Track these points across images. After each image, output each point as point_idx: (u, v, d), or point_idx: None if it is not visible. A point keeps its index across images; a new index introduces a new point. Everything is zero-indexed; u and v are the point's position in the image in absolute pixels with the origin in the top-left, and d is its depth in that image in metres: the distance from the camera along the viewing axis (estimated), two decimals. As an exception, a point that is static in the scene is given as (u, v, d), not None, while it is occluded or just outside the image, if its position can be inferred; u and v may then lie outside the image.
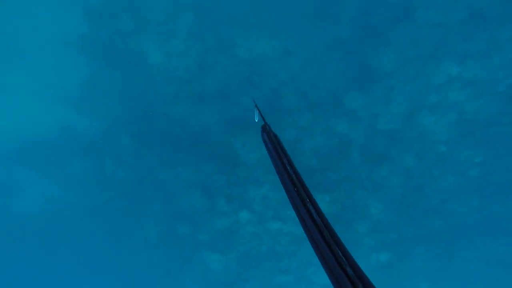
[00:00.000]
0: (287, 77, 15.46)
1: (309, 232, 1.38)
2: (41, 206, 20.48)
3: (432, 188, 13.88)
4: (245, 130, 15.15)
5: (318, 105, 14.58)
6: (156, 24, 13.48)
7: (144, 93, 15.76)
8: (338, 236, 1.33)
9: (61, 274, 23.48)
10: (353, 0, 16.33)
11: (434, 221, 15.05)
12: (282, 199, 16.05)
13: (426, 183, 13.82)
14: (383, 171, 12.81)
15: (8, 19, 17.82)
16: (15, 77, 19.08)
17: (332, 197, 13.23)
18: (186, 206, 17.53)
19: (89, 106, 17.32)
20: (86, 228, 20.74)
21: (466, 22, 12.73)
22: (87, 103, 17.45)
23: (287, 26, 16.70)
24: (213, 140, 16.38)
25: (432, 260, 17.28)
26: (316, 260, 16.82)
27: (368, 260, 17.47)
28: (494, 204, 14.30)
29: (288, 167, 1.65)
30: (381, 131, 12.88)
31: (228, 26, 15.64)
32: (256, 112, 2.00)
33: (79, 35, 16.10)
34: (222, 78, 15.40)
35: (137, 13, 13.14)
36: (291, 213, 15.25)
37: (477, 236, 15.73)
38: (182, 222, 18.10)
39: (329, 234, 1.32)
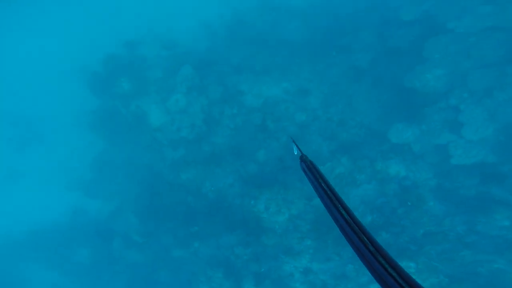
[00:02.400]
0: (307, 118, 10.11)
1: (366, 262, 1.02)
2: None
3: None
4: (267, 189, 9.37)
5: (354, 146, 8.87)
6: (154, 81, 9.01)
7: (151, 163, 10.94)
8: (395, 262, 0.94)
9: None
10: (362, 28, 11.47)
11: None
12: (332, 269, 9.37)
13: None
14: (493, 219, 6.43)
15: (28, 104, 14.21)
16: (32, 163, 14.64)
17: (421, 263, 6.68)
18: (207, 292, 11.18)
19: (99, 187, 12.50)
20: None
21: None
22: (96, 184, 12.54)
23: (296, 66, 11.87)
24: (231, 205, 10.64)
25: None
26: None
27: None
28: None
29: (329, 193, 1.33)
30: (463, 167, 6.82)
31: (231, 75, 11.03)
32: (294, 147, 1.71)
33: (88, 111, 11.95)
34: (233, 132, 10.33)
35: (135, 73, 8.83)
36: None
37: None
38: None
39: (389, 265, 0.95)
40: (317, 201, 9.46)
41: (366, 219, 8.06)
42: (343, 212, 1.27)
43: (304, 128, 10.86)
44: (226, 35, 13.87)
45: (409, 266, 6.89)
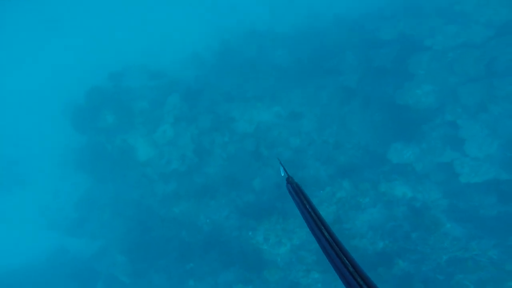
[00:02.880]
0: (301, 143, 9.38)
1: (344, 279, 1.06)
2: None
3: None
4: (265, 219, 8.34)
5: (354, 168, 8.12)
6: (140, 113, 8.21)
7: (140, 199, 9.80)
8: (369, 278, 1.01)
9: None
10: (346, 50, 11.24)
11: None
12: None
13: None
14: None
15: (12, 146, 12.94)
16: (15, 205, 13.11)
17: None
18: None
19: (83, 226, 11.07)
20: None
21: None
22: (81, 223, 11.16)
23: (286, 91, 11.38)
24: (228, 239, 9.49)
25: None
26: None
27: None
28: None
29: (312, 212, 1.33)
30: (475, 185, 6.09)
31: (221, 102, 10.38)
32: (281, 168, 1.73)
33: (72, 149, 10.87)
34: (225, 161, 9.45)
35: (119, 105, 8.03)
36: None
37: None
38: None
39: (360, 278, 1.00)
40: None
41: (377, 246, 7.09)
42: (326, 233, 1.23)
43: (299, 152, 10.10)
44: (215, 64, 13.46)
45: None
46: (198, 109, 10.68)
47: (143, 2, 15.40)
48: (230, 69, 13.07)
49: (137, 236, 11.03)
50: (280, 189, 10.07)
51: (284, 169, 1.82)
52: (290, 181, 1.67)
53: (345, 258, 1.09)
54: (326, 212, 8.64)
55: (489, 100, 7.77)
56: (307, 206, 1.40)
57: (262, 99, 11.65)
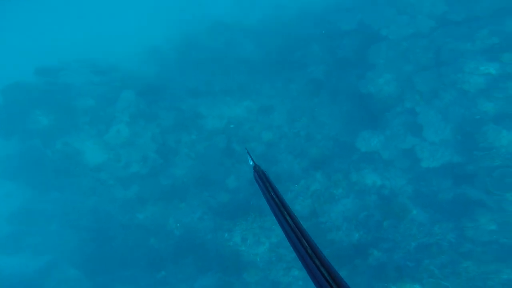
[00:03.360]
0: (274, 136, 8.93)
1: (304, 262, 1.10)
2: None
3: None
4: (241, 218, 7.78)
5: (325, 160, 7.95)
6: (84, 112, 6.80)
7: (96, 207, 8.41)
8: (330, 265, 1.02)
9: None
10: (311, 42, 11.05)
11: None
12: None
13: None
14: (479, 223, 5.92)
15: None
16: None
17: (426, 283, 5.74)
18: None
19: (20, 242, 9.09)
20: None
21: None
22: (20, 238, 9.22)
23: (256, 84, 10.80)
24: (202, 242, 8.69)
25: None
26: None
27: None
28: None
29: (276, 200, 1.38)
30: (434, 170, 6.35)
31: (186, 98, 9.45)
32: (249, 157, 1.75)
33: (4, 156, 8.79)
34: (194, 160, 8.59)
35: (56, 104, 6.52)
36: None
37: None
38: None
39: (324, 268, 1.00)
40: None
41: (352, 237, 7.04)
42: (288, 218, 1.25)
43: (272, 146, 9.67)
44: (177, 58, 12.19)
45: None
46: (159, 106, 9.51)
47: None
48: (195, 63, 11.97)
49: (95, 247, 9.57)
50: (255, 185, 9.58)
51: (251, 158, 1.76)
52: (256, 169, 1.66)
53: (305, 242, 1.11)
54: (301, 206, 8.41)
55: (439, 88, 8.20)
56: (271, 192, 1.40)
57: (231, 93, 10.89)
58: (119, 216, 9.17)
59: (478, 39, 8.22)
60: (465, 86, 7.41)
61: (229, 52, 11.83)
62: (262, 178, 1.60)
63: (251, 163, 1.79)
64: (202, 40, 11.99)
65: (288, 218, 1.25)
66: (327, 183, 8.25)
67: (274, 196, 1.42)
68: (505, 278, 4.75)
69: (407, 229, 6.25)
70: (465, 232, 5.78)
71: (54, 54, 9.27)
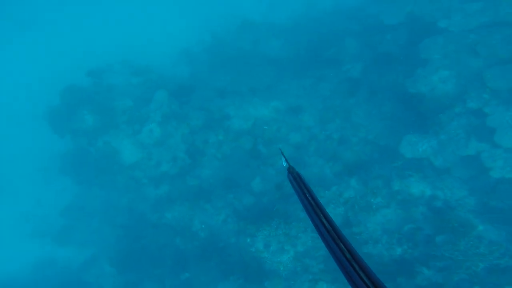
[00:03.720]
0: (302, 138, 8.16)
1: (343, 269, 1.01)
2: None
3: None
4: (265, 223, 7.10)
5: (362, 165, 6.89)
6: (123, 112, 7.01)
7: (131, 204, 8.66)
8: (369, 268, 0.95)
9: None
10: (346, 38, 10.03)
11: None
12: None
13: None
14: None
15: None
16: None
17: None
18: None
19: (71, 235, 9.82)
20: None
21: None
22: (68, 232, 9.97)
23: (284, 84, 10.18)
24: (226, 245, 8.22)
25: None
26: None
27: None
28: None
29: (312, 202, 1.29)
30: (510, 181, 4.84)
31: (215, 99, 9.25)
32: (283, 159, 1.65)
33: (55, 153, 9.67)
34: (221, 161, 8.28)
35: (100, 104, 6.82)
36: None
37: None
38: None
39: (363, 273, 0.94)
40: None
41: (394, 252, 5.86)
42: (325, 221, 1.19)
43: (300, 149, 8.88)
44: (207, 59, 12.25)
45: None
46: (189, 107, 9.48)
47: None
48: (223, 63, 11.87)
49: (128, 244, 9.81)
50: (282, 190, 8.87)
51: (286, 159, 1.69)
52: (291, 170, 1.57)
53: (342, 245, 1.05)
54: (333, 214, 7.42)
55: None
56: (307, 195, 1.34)
57: (258, 93, 10.44)
58: (149, 215, 9.27)
59: None
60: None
61: (256, 51, 11.46)
62: (297, 180, 1.49)
63: (285, 164, 1.68)
64: (230, 40, 11.85)
65: (324, 221, 1.19)
66: (363, 191, 7.15)
67: (310, 199, 1.33)
68: None
69: (472, 247, 4.90)
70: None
71: (100, 57, 10.00)
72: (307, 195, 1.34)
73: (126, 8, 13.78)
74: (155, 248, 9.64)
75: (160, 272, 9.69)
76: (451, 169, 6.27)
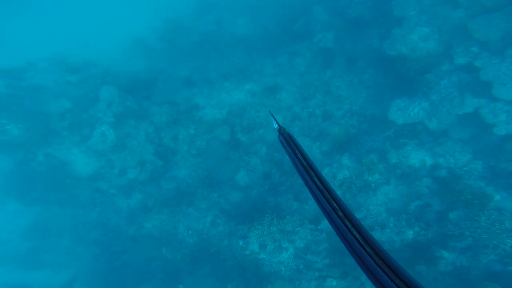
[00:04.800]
0: (284, 119, 6.87)
1: (334, 225, 1.00)
2: None
3: None
4: (256, 221, 5.75)
5: (352, 140, 5.62)
6: (61, 116, 4.91)
7: (102, 219, 6.88)
8: (359, 222, 0.93)
9: None
10: (312, 6, 8.62)
11: None
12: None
13: None
14: None
15: None
16: None
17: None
18: None
19: (41, 256, 7.83)
20: None
21: None
22: (37, 253, 7.97)
23: (256, 64, 8.64)
24: (218, 249, 6.76)
25: None
26: None
27: None
28: None
29: (303, 161, 1.24)
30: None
31: (180, 90, 7.43)
32: (273, 120, 1.58)
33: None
34: (196, 157, 6.74)
35: (24, 110, 4.73)
36: None
37: None
38: None
39: (355, 229, 0.92)
40: (326, 224, 6.14)
41: (405, 236, 4.92)
42: (317, 180, 1.13)
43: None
44: (165, 48, 10.21)
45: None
46: (150, 102, 7.66)
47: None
48: (184, 50, 9.96)
49: (107, 262, 8.13)
50: (270, 179, 7.62)
51: (276, 120, 1.58)
52: (281, 132, 1.48)
53: (334, 203, 1.02)
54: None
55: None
56: (298, 154, 1.27)
57: (229, 78, 8.83)
58: (125, 228, 7.58)
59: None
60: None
61: (222, 32, 9.68)
62: (288, 141, 1.38)
63: (275, 126, 1.54)
64: (189, 23, 9.89)
65: (316, 179, 1.11)
66: (358, 169, 6.09)
67: (301, 158, 1.24)
68: None
69: (495, 222, 4.05)
70: None
71: (20, 55, 7.63)
72: (298, 155, 1.26)
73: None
74: (141, 263, 8.05)
75: (150, 287, 8.22)
76: (448, 131, 5.36)
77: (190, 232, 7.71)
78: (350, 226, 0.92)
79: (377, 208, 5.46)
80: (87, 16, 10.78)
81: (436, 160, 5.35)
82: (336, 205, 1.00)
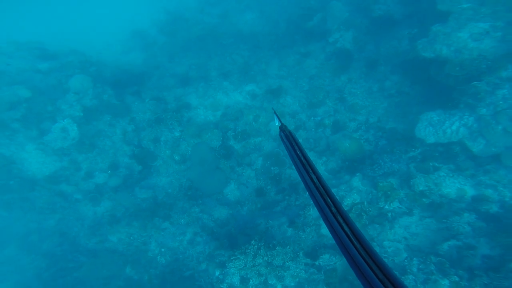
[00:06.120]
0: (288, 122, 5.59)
1: (329, 224, 1.05)
2: None
3: None
4: (239, 249, 4.61)
5: (366, 158, 4.43)
6: (12, 105, 4.27)
7: (61, 227, 5.99)
8: (358, 230, 0.96)
9: None
10: (327, 1, 7.91)
11: None
12: None
13: None
14: None
15: None
16: None
17: None
18: None
19: None
20: None
21: None
22: None
23: (261, 64, 7.94)
24: (193, 274, 5.66)
25: None
26: None
27: None
28: None
29: (302, 157, 1.34)
30: None
31: (173, 87, 6.81)
32: (275, 117, 1.72)
33: None
34: (180, 164, 6.02)
35: None
36: None
37: None
38: None
39: (347, 226, 0.98)
40: (325, 260, 4.99)
41: (438, 286, 3.67)
42: (313, 176, 1.21)
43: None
44: (166, 41, 9.82)
45: None
46: (135, 97, 7.06)
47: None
48: (185, 44, 9.50)
49: (53, 278, 7.19)
50: (264, 196, 6.62)
51: (278, 118, 1.68)
52: (283, 129, 1.57)
53: (329, 199, 1.08)
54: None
55: None
56: (297, 151, 1.36)
57: (230, 77, 8.15)
58: (86, 239, 6.73)
59: None
60: None
61: (226, 27, 9.14)
62: (289, 138, 1.47)
63: (277, 124, 1.64)
64: (193, 15, 9.47)
65: (313, 176, 1.18)
66: (372, 194, 4.98)
67: (300, 156, 1.32)
68: None
69: None
70: None
71: None
72: (297, 151, 1.35)
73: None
74: (96, 282, 7.05)
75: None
76: (503, 156, 4.20)
77: (163, 250, 6.75)
78: (342, 221, 0.98)
79: (395, 245, 4.30)
80: (87, 5, 10.74)
81: (482, 191, 4.18)
82: (330, 201, 1.06)
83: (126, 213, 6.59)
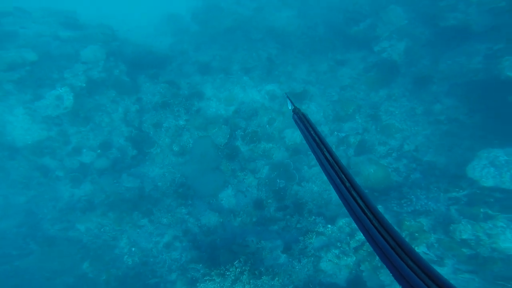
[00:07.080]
0: (302, 139, 5.09)
1: (345, 202, 1.14)
2: None
3: None
4: (218, 268, 4.03)
5: (391, 191, 3.70)
6: (11, 67, 4.42)
7: (30, 206, 5.83)
8: (373, 204, 1.07)
9: None
10: (388, 5, 7.58)
11: None
12: None
13: None
14: None
15: None
16: None
17: None
18: None
19: None
20: None
21: None
22: None
23: (288, 65, 7.69)
24: (159, 283, 5.20)
25: None
26: None
27: None
28: None
29: (316, 137, 1.46)
30: None
31: (192, 74, 6.72)
32: (288, 101, 1.82)
33: None
34: (178, 156, 5.78)
35: None
36: None
37: None
38: None
39: (362, 201, 1.08)
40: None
41: None
42: (327, 154, 1.33)
43: (299, 154, 6.18)
44: (196, 29, 10.04)
45: None
46: (148, 78, 7.08)
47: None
48: (214, 34, 9.62)
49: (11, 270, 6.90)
50: (263, 210, 6.09)
51: (291, 101, 1.79)
52: (296, 111, 1.71)
53: (343, 175, 1.18)
54: (336, 267, 4.53)
55: None
56: (311, 131, 1.49)
57: (251, 72, 7.97)
58: (49, 223, 6.49)
59: None
60: None
61: (259, 21, 9.11)
62: (302, 119, 1.59)
63: (290, 107, 1.76)
64: (227, 6, 9.63)
65: (327, 154, 1.30)
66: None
67: (314, 135, 1.44)
68: None
69: None
70: None
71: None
72: (311, 131, 1.47)
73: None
74: (41, 275, 6.63)
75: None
76: None
77: (133, 249, 6.36)
78: (355, 195, 1.06)
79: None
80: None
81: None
82: (344, 177, 1.15)
83: (104, 201, 6.36)
